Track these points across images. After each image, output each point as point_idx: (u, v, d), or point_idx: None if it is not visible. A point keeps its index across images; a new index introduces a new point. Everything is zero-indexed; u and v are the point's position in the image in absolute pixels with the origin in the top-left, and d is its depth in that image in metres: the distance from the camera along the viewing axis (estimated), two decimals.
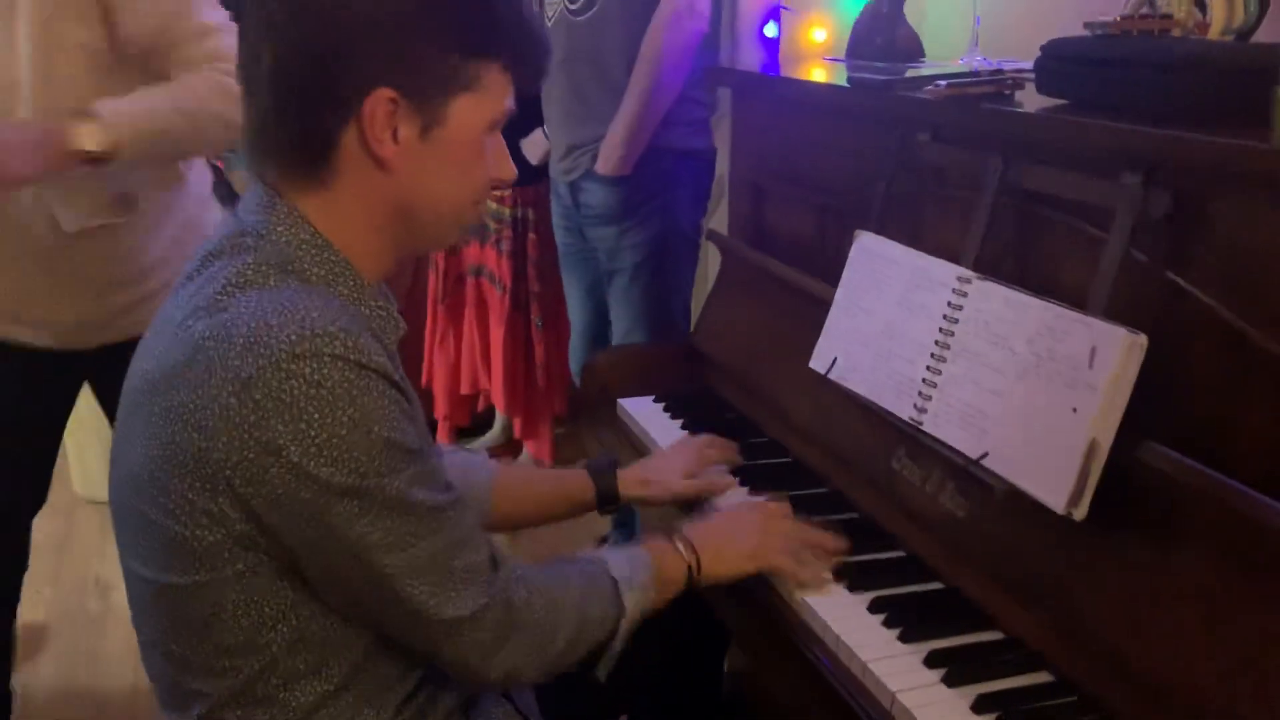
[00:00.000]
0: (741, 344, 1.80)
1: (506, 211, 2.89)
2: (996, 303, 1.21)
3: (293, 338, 0.86)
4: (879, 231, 1.45)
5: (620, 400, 1.79)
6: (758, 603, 1.26)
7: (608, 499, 1.41)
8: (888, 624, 1.15)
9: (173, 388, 0.89)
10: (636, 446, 1.70)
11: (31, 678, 2.30)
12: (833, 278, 1.49)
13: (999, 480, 1.15)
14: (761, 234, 1.92)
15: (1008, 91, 1.34)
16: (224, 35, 1.54)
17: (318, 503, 0.88)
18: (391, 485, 0.90)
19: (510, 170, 1.02)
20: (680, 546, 1.20)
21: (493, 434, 3.35)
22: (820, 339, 1.48)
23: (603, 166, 2.08)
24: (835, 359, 1.44)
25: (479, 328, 3.07)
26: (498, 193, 2.68)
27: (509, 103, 0.99)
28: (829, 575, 1.23)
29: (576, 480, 1.40)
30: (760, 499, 1.36)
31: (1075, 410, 1.07)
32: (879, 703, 1.07)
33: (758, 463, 1.53)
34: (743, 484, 1.47)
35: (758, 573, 1.23)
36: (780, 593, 1.24)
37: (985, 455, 1.16)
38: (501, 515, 1.36)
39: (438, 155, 0.95)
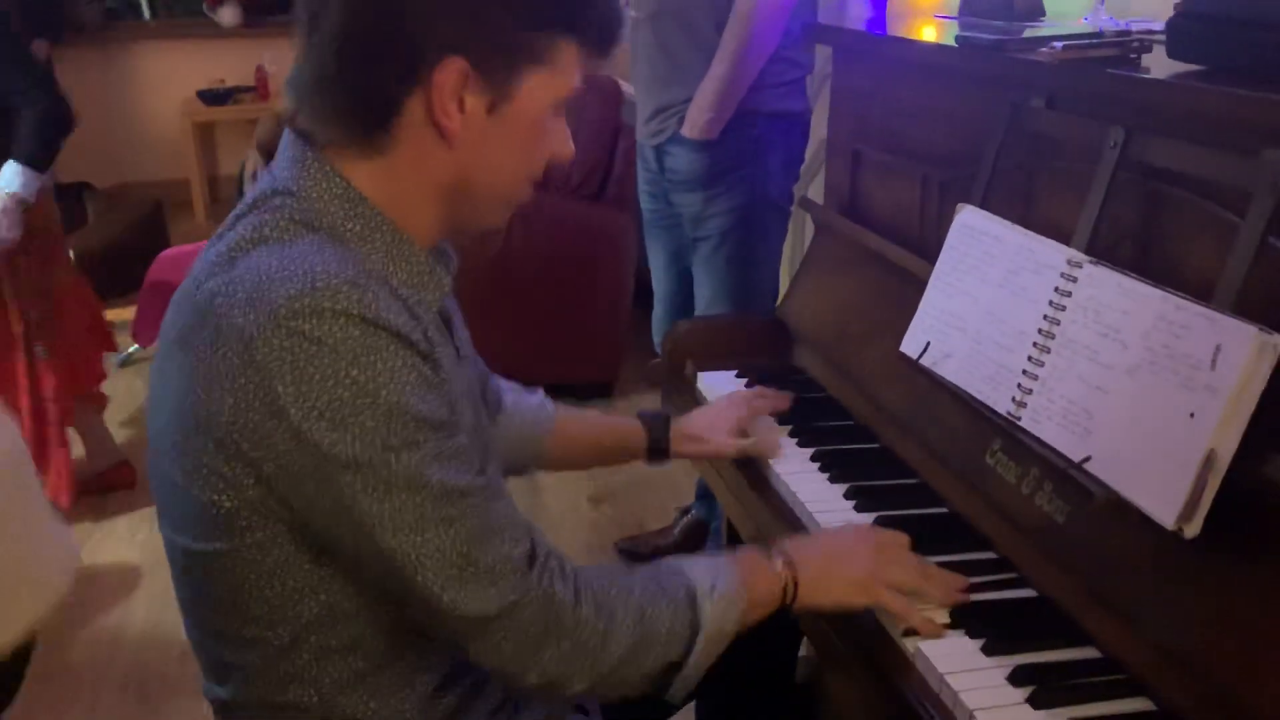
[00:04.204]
0: (831, 320, 1.71)
1: None
2: (1109, 290, 1.10)
3: (292, 292, 0.82)
4: (984, 206, 1.35)
5: (700, 374, 1.72)
6: None
7: (658, 451, 1.41)
8: (971, 633, 1.06)
9: (187, 347, 0.86)
10: None
11: (124, 619, 2.37)
12: (932, 254, 1.40)
13: (1102, 487, 1.05)
14: (859, 204, 1.82)
15: (1134, 55, 1.21)
16: None
17: (322, 472, 0.83)
18: (402, 459, 0.84)
19: (570, 150, 0.99)
20: (778, 563, 1.06)
21: None
22: (914, 321, 1.39)
23: (689, 130, 2.00)
24: (928, 343, 1.35)
25: None
26: None
27: (578, 81, 0.94)
28: (944, 621, 1.07)
29: (631, 429, 1.40)
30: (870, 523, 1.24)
31: (1192, 415, 0.96)
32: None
33: (844, 448, 1.45)
34: (802, 447, 1.43)
35: (863, 608, 1.10)
36: None
37: (1088, 459, 1.06)
38: (558, 456, 1.36)
39: (501, 131, 0.92)
